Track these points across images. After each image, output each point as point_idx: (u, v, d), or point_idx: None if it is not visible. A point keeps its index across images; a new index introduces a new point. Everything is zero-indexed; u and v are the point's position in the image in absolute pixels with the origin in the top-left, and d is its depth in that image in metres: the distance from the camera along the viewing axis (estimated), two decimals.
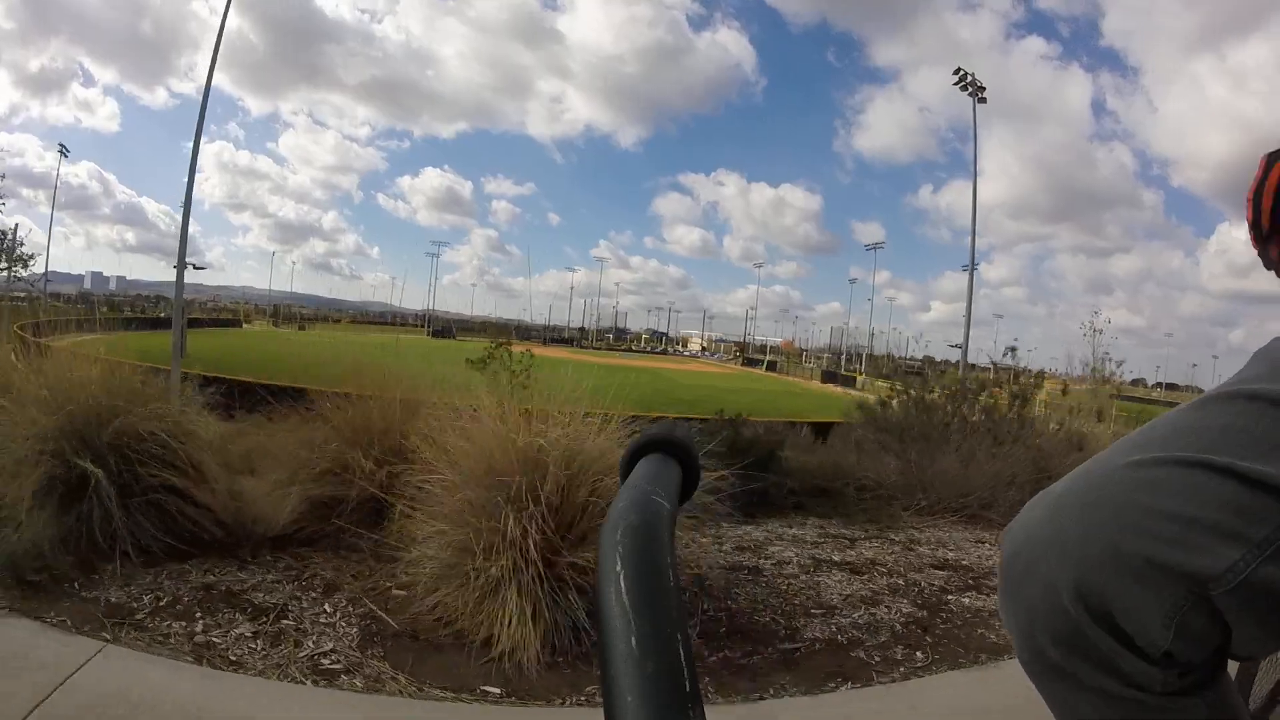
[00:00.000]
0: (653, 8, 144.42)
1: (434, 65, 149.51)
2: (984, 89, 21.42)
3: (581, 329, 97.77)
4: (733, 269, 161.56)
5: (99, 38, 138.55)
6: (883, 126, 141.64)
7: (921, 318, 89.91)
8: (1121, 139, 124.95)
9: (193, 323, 61.78)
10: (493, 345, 9.52)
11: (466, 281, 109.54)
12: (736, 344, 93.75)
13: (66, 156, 64.64)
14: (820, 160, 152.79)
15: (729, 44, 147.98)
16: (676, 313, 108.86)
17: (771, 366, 66.90)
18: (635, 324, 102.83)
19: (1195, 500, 0.38)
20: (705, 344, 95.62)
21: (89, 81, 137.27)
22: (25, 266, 30.45)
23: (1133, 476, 0.41)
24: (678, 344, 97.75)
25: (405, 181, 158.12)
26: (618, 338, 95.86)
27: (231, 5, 10.13)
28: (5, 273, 28.57)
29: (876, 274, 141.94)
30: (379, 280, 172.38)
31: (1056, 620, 0.41)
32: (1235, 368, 0.48)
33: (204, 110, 10.48)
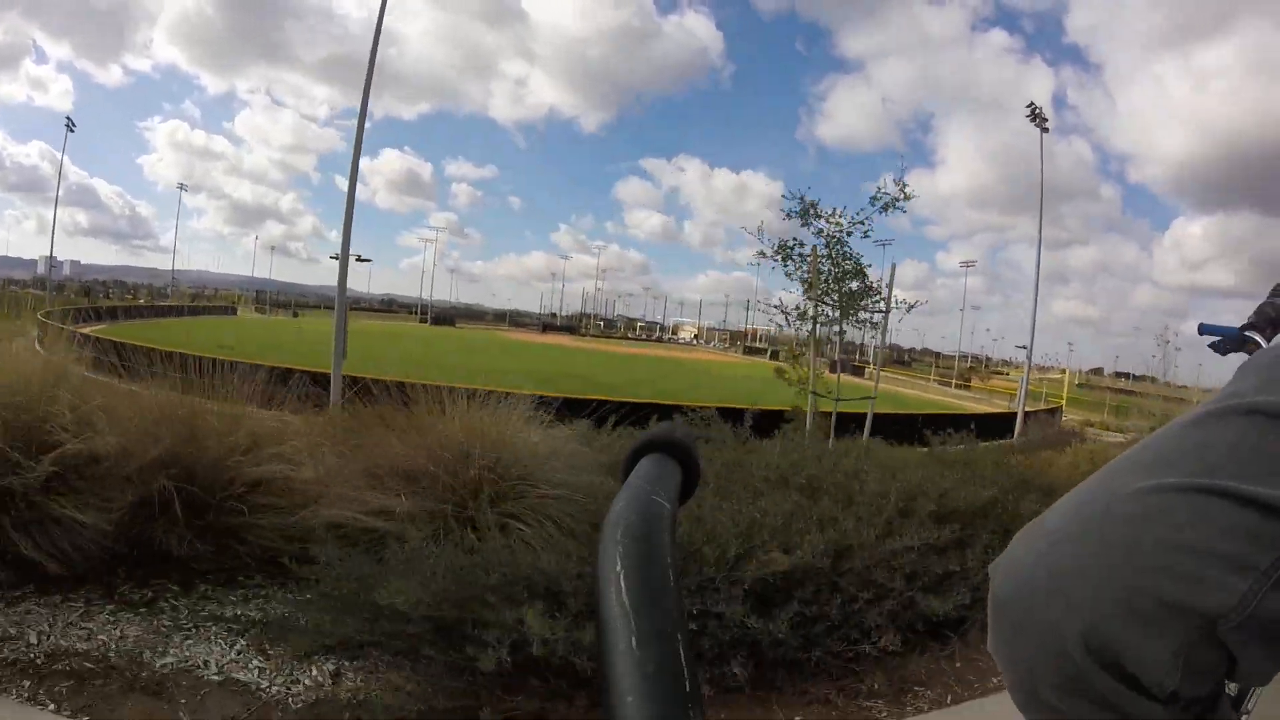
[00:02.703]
0: None
1: (396, 44, 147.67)
2: (1047, 120, 22.49)
3: (581, 316, 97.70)
4: (693, 254, 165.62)
5: (53, 12, 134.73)
6: (846, 115, 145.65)
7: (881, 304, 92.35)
8: (1081, 133, 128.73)
9: (192, 310, 59.19)
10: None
11: (426, 265, 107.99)
12: (724, 332, 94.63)
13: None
14: (784, 147, 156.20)
15: (696, 28, 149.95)
16: (631, 296, 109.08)
17: (774, 355, 67.83)
18: (587, 309, 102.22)
19: (1203, 531, 0.36)
20: (697, 332, 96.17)
21: (41, 58, 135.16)
22: None
23: (1137, 508, 0.38)
24: (671, 332, 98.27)
25: (364, 163, 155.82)
26: (608, 326, 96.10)
27: None
28: None
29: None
30: (335, 265, 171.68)
31: (1059, 668, 0.38)
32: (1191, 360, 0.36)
33: (362, 120, 10.60)
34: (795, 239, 9.80)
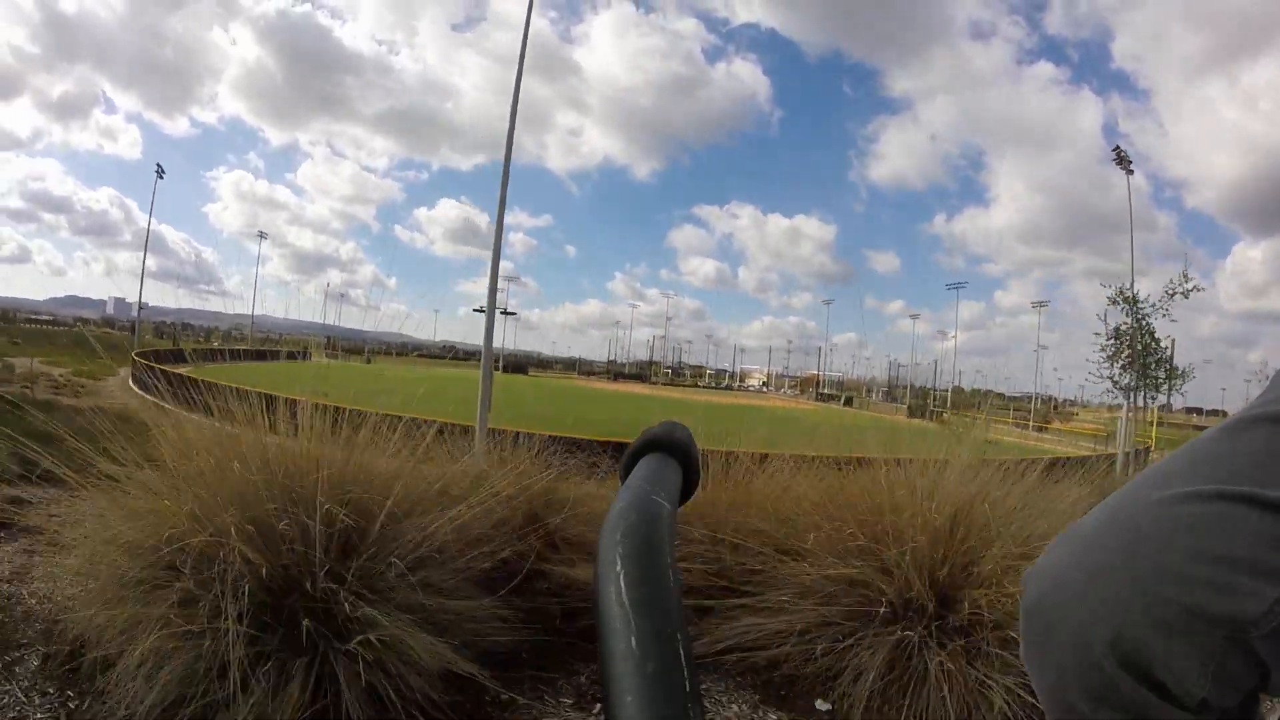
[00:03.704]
0: (667, 40, 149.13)
1: (452, 97, 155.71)
2: (1131, 162, 23.09)
3: (649, 364, 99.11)
4: (748, 300, 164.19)
5: (121, 65, 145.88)
6: (896, 155, 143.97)
7: (937, 346, 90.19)
8: (1135, 162, 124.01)
9: (267, 354, 62.77)
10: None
11: (483, 315, 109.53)
12: (794, 378, 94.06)
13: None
14: (835, 190, 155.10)
15: (744, 75, 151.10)
16: (689, 343, 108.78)
17: (849, 402, 66.96)
18: (642, 355, 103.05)
19: (1233, 537, 0.36)
20: (765, 379, 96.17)
21: (111, 108, 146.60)
22: None
23: (1167, 515, 0.39)
24: (739, 379, 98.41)
25: (421, 213, 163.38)
26: (676, 374, 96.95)
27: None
28: None
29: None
30: (395, 311, 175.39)
31: (1089, 675, 0.38)
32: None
33: (507, 167, 11.20)
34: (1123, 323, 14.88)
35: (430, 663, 2.32)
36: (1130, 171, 22.50)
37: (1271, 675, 0.37)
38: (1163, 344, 14.72)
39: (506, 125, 9.38)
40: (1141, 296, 14.54)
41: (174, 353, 39.77)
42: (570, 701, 2.69)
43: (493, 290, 12.31)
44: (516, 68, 11.45)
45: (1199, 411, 67.02)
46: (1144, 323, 14.52)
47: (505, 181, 11.68)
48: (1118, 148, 22.57)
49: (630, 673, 0.25)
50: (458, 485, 3.10)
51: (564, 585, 3.16)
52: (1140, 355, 14.33)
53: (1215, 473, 0.39)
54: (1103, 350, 15.07)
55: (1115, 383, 14.95)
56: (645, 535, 0.31)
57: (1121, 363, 14.74)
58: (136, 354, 31.13)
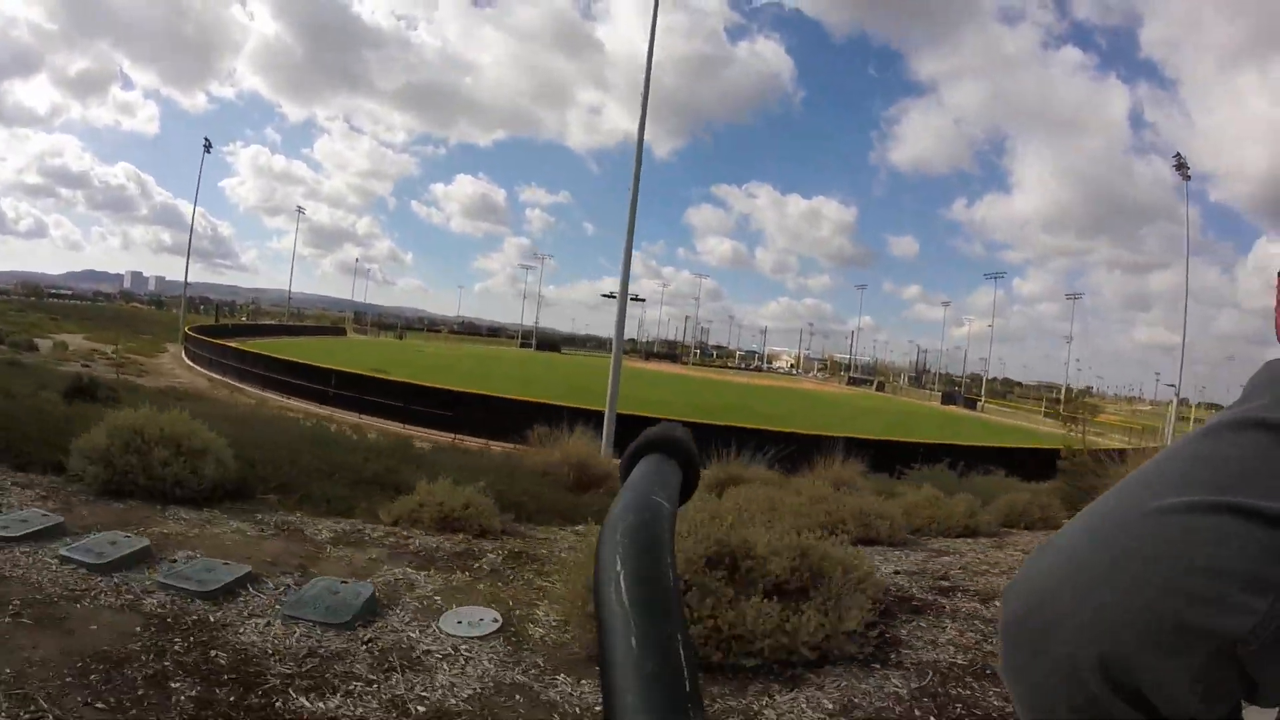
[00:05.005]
0: (691, 17, 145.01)
1: (472, 72, 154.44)
2: (1188, 167, 23.83)
3: (674, 343, 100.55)
4: (765, 281, 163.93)
5: (140, 41, 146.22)
6: (919, 138, 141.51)
7: (955, 332, 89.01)
8: (1159, 152, 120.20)
9: (303, 330, 61.37)
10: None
11: (498, 289, 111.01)
12: (821, 361, 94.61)
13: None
14: (856, 172, 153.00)
15: (767, 55, 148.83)
16: (710, 324, 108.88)
17: (880, 387, 67.34)
18: (661, 334, 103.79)
19: (1222, 550, 0.35)
20: (794, 361, 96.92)
21: (128, 85, 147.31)
22: None
23: (1153, 527, 0.37)
24: (767, 361, 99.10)
25: (439, 188, 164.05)
26: (704, 354, 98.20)
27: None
28: None
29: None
30: (412, 286, 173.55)
31: (1074, 694, 0.37)
32: None
33: (639, 159, 12.18)
34: None
35: None
36: (1188, 177, 23.39)
37: (1259, 687, 0.36)
38: None
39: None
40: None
41: (217, 328, 41.97)
42: None
43: (624, 283, 13.29)
44: (646, 56, 12.26)
45: (1218, 408, 66.06)
46: None
47: (637, 180, 12.75)
48: (1178, 154, 23.46)
49: (630, 673, 0.26)
50: None
51: None
52: None
53: (1199, 482, 0.38)
54: None
55: None
56: (645, 535, 0.31)
57: None
58: (189, 329, 34.14)
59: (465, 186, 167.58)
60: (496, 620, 3.34)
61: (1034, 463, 13.13)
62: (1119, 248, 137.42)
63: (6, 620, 2.73)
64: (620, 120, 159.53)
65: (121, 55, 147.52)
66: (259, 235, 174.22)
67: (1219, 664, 0.35)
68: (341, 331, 68.90)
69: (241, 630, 2.95)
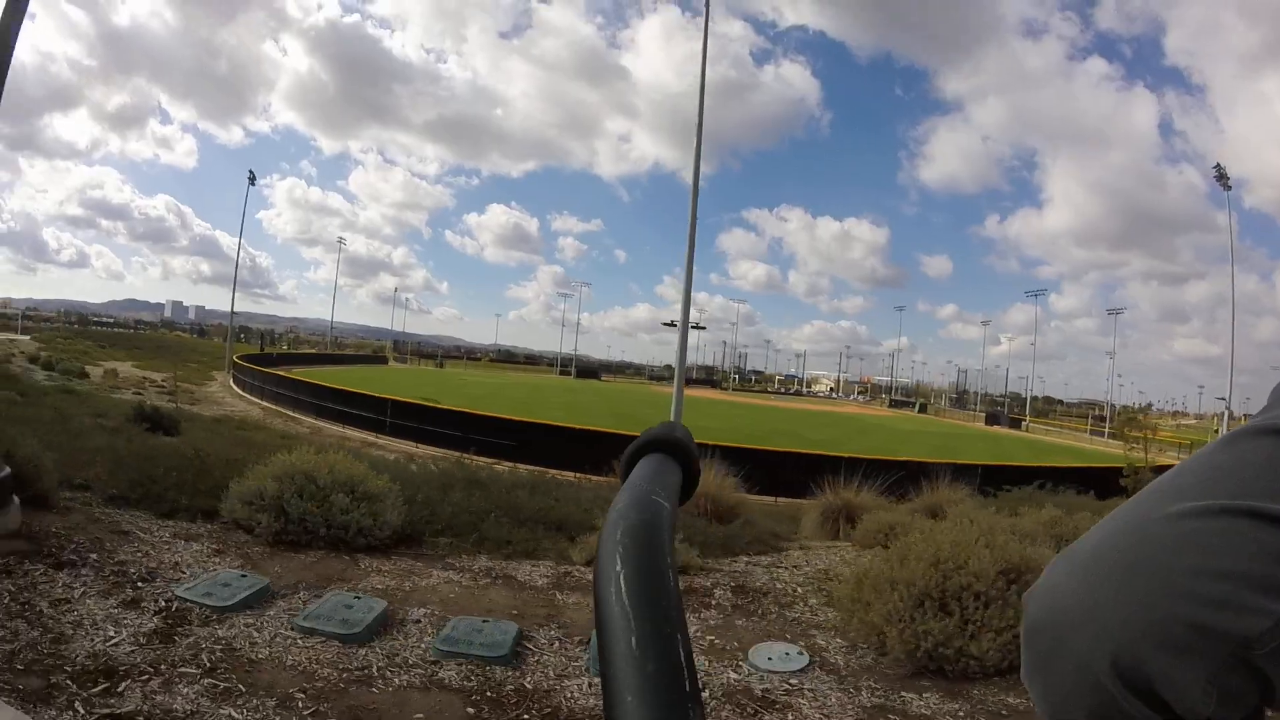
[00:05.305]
0: (716, 43, 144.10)
1: (502, 104, 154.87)
2: (1228, 177, 23.21)
3: (711, 369, 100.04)
4: (799, 304, 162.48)
5: (176, 77, 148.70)
6: (947, 157, 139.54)
7: (993, 351, 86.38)
8: (1191, 160, 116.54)
9: (346, 359, 61.88)
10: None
11: (532, 316, 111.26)
12: (861, 384, 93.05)
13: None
14: (886, 193, 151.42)
15: (793, 78, 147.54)
16: (746, 348, 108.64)
17: (923, 409, 66.01)
18: (698, 359, 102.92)
19: (1238, 553, 0.36)
20: (833, 384, 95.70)
21: (166, 119, 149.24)
22: None
23: (1170, 531, 0.38)
24: (806, 385, 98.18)
25: (472, 218, 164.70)
26: (743, 378, 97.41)
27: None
28: None
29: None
30: (447, 315, 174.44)
31: (1091, 695, 0.38)
32: None
33: (696, 190, 12.57)
34: None
35: None
36: (1228, 187, 22.62)
37: (1277, 691, 0.36)
38: None
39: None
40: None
41: (263, 356, 42.47)
42: None
43: (685, 312, 13.20)
44: (698, 81, 12.33)
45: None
46: None
47: (694, 219, 12.87)
48: (1218, 165, 22.75)
49: (630, 673, 0.26)
50: None
51: None
52: None
53: (1225, 487, 0.38)
54: None
55: None
56: (645, 535, 0.31)
57: None
58: (238, 358, 34.81)
59: (498, 216, 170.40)
60: (801, 653, 3.28)
61: (1102, 481, 12.94)
62: (1153, 259, 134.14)
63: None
64: (648, 147, 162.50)
65: (159, 90, 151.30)
66: (296, 265, 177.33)
67: (1234, 666, 0.36)
68: (383, 360, 69.17)
69: (563, 695, 2.74)
